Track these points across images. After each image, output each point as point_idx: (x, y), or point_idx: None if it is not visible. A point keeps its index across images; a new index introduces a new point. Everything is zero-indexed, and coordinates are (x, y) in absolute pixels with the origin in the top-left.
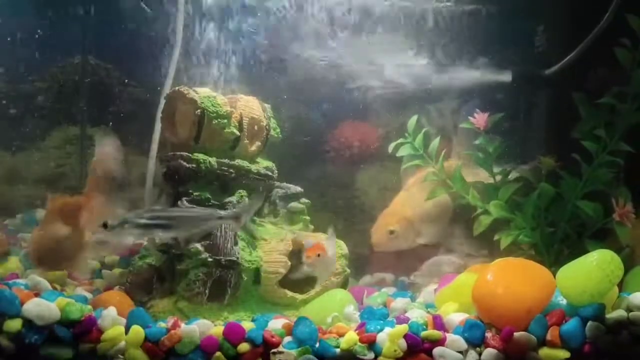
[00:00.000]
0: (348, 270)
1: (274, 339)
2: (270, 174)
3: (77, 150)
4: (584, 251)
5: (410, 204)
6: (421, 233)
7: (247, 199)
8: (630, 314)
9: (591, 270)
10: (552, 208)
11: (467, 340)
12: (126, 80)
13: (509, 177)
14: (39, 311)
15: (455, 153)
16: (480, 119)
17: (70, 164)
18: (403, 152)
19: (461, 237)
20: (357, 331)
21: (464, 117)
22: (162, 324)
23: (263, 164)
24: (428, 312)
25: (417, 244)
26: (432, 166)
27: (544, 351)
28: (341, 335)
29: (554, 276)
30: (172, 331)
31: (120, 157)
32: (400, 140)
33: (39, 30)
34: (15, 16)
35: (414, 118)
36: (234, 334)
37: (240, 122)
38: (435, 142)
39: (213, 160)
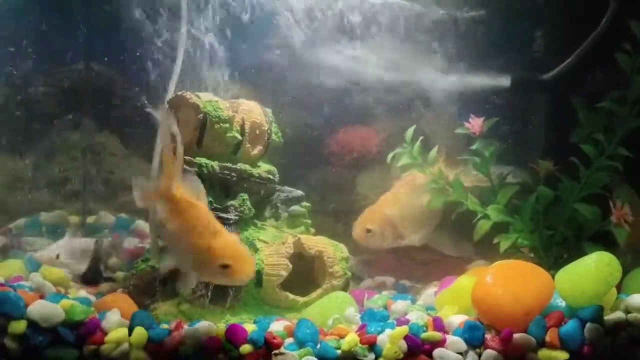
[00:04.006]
0: (349, 273)
1: (275, 341)
2: (271, 177)
3: (81, 155)
4: (583, 253)
5: (394, 204)
6: (403, 235)
7: (248, 202)
8: (629, 315)
9: (589, 272)
10: (550, 211)
11: (466, 341)
12: (128, 86)
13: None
14: (43, 313)
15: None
16: (475, 123)
17: (74, 168)
18: (402, 161)
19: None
20: (357, 333)
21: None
22: (165, 326)
23: (264, 168)
24: (428, 314)
25: (399, 244)
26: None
27: (543, 352)
28: (342, 336)
29: (553, 278)
30: (175, 333)
31: None
32: (398, 149)
33: (41, 36)
34: (17, 21)
35: (412, 128)
36: (236, 335)
37: (242, 127)
38: (434, 151)
39: (215, 164)
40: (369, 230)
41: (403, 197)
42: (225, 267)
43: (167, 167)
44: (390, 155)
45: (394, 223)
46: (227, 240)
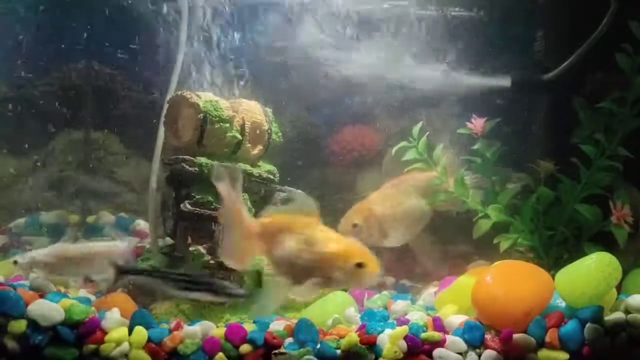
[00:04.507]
0: None
1: (275, 340)
2: (271, 177)
3: (80, 154)
4: (583, 254)
5: (383, 203)
6: (387, 235)
7: (248, 202)
8: (629, 316)
9: (590, 273)
10: (550, 211)
11: (466, 341)
12: (129, 86)
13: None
14: (43, 312)
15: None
16: (477, 124)
17: (73, 168)
18: (408, 156)
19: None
20: (357, 332)
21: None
22: (164, 325)
23: (265, 168)
24: (428, 314)
25: (382, 244)
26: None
27: (543, 353)
28: (342, 336)
29: (553, 279)
30: (175, 332)
31: None
32: (404, 143)
33: (43, 34)
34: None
35: (419, 124)
36: (235, 335)
37: (242, 126)
38: (439, 148)
39: (215, 163)
40: (355, 225)
41: (392, 196)
42: (360, 265)
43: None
44: (395, 148)
45: (380, 221)
46: (350, 242)
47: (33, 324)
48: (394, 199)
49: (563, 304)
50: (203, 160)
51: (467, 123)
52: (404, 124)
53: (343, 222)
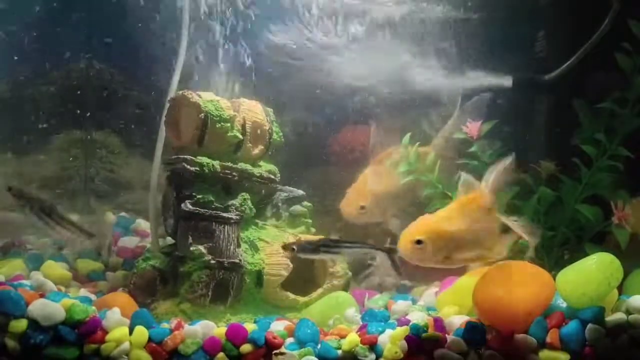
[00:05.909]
0: (350, 273)
1: (276, 340)
2: (272, 177)
3: (81, 153)
4: (584, 254)
5: (378, 180)
6: (387, 209)
7: (249, 202)
8: (630, 316)
9: (591, 273)
10: (552, 212)
11: (467, 342)
12: (130, 85)
13: None
14: (44, 312)
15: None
16: (472, 127)
17: (75, 167)
18: (401, 168)
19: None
20: (358, 333)
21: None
22: (165, 325)
23: (266, 168)
24: (429, 314)
25: (382, 219)
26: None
27: (544, 353)
28: (342, 336)
29: (554, 279)
30: (176, 332)
31: None
32: (395, 157)
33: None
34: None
35: (407, 135)
36: (236, 335)
37: (243, 126)
38: (431, 156)
39: (216, 163)
40: (362, 207)
41: (383, 172)
42: None
43: None
44: (387, 163)
45: (381, 198)
46: None
47: (34, 324)
48: (385, 174)
49: (564, 305)
50: (204, 160)
51: (462, 127)
52: (404, 124)
53: (348, 207)
